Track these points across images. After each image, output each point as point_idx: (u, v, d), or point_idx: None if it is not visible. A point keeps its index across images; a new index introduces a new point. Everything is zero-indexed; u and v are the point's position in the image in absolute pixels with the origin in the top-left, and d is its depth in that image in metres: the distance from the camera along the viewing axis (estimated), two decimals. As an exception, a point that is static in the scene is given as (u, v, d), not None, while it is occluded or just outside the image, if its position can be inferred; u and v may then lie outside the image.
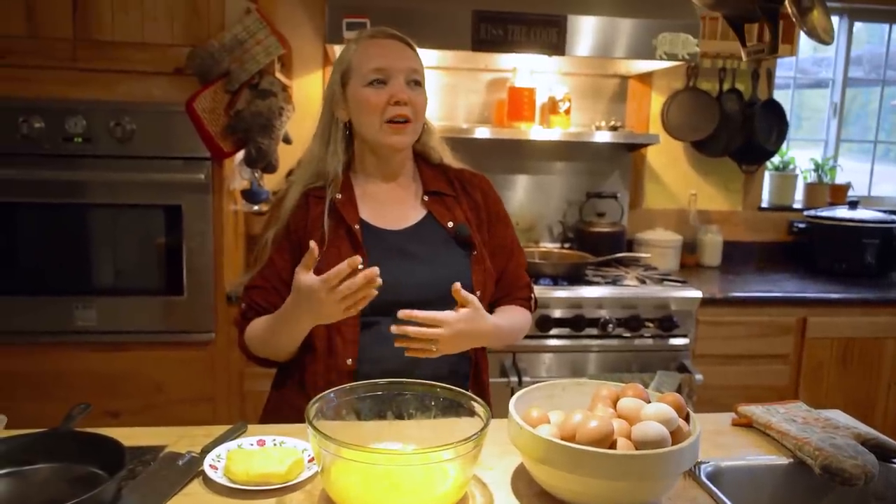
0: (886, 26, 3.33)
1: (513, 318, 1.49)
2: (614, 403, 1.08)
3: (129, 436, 1.13)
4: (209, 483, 1.06)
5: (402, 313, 1.24)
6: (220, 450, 1.13)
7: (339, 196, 1.42)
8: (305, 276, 1.22)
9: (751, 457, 1.22)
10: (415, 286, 1.36)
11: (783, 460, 1.21)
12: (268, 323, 1.38)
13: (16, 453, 1.07)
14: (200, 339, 2.29)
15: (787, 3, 0.89)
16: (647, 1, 2.44)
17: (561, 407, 1.12)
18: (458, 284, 1.28)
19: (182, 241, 2.25)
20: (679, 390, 2.29)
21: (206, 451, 1.13)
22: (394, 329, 1.24)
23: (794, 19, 0.92)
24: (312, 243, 1.22)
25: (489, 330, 1.35)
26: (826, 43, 0.95)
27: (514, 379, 2.30)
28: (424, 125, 1.48)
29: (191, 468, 1.09)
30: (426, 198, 1.47)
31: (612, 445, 0.96)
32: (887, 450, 1.20)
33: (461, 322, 1.27)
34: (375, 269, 1.19)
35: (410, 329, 1.24)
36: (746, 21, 1.05)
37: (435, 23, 2.33)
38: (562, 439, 0.97)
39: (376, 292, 1.21)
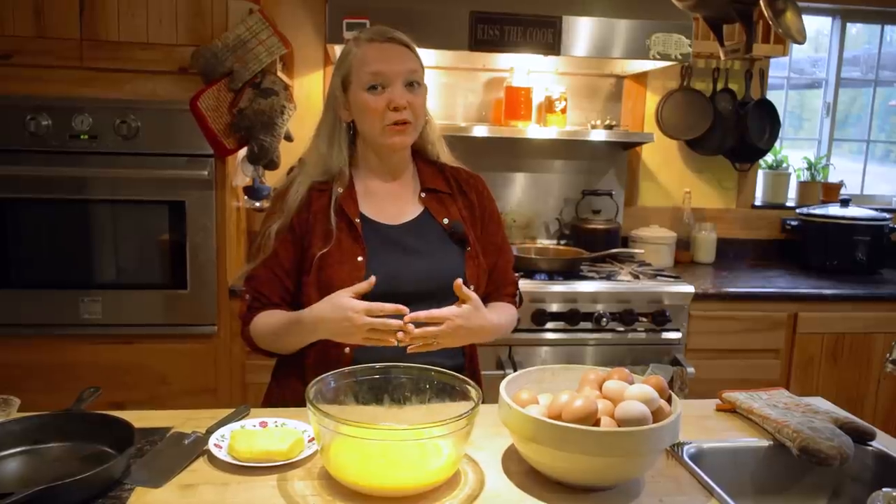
0: (881, 27, 3.37)
1: (505, 314, 1.54)
2: (600, 386, 1.13)
3: (137, 418, 1.17)
4: (214, 461, 1.11)
5: (408, 318, 1.27)
6: (224, 430, 1.18)
7: (340, 191, 1.47)
8: (350, 298, 1.28)
9: (733, 439, 1.28)
10: (412, 279, 1.41)
11: (764, 442, 1.26)
12: (278, 323, 1.42)
13: (30, 432, 1.13)
14: (203, 331, 2.34)
15: (762, 5, 0.94)
16: (641, 2, 2.49)
17: (550, 390, 1.17)
18: (459, 281, 1.33)
19: (185, 237, 2.30)
20: (671, 383, 2.34)
21: (210, 431, 1.18)
22: (399, 336, 1.28)
23: (769, 21, 0.97)
24: (372, 278, 1.30)
25: (487, 326, 1.40)
26: (799, 42, 1.00)
27: (510, 371, 2.34)
28: (427, 120, 1.53)
29: (196, 447, 1.14)
30: (423, 195, 1.52)
31: (597, 423, 1.02)
32: (863, 433, 1.26)
33: (461, 318, 1.32)
34: (412, 327, 1.27)
35: (416, 331, 1.28)
36: (724, 22, 1.10)
37: (433, 23, 2.38)
38: (549, 418, 1.02)
39: (398, 343, 1.28)
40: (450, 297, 1.34)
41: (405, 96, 1.41)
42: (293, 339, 1.41)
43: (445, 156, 1.57)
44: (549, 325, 2.44)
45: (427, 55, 2.55)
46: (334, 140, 1.48)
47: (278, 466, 1.09)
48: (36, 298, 2.28)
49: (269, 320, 1.44)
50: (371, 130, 1.44)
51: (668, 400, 1.10)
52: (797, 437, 1.19)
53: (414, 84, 1.43)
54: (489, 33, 2.41)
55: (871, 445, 1.25)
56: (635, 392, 1.05)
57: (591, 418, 1.01)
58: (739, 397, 1.39)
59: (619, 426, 1.01)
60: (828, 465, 1.16)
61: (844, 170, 3.41)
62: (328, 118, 1.50)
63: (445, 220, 1.49)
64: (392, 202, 1.51)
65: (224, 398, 2.36)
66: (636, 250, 2.89)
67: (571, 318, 2.43)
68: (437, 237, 1.48)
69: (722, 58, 1.28)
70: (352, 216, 1.45)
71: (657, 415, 1.04)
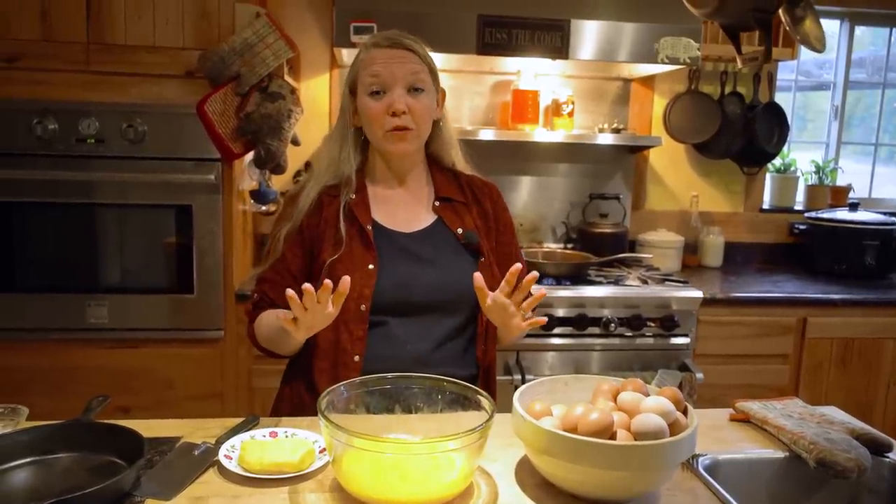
0: (889, 30, 3.35)
1: None
2: (615, 397, 1.12)
3: (146, 427, 1.16)
4: (224, 472, 1.10)
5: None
6: (235, 440, 1.17)
7: (352, 197, 1.46)
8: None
9: (748, 450, 1.26)
10: (423, 288, 1.40)
11: (779, 454, 1.24)
12: (271, 325, 1.41)
13: (38, 443, 1.11)
14: (210, 336, 2.33)
15: (781, 12, 0.93)
16: (650, 5, 2.47)
17: (563, 401, 1.16)
18: (478, 275, 1.27)
19: (192, 241, 2.29)
20: (680, 389, 2.32)
21: (220, 441, 1.17)
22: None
23: (787, 28, 0.96)
24: (346, 278, 1.20)
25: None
26: (818, 51, 0.99)
27: (518, 377, 2.33)
28: (442, 126, 1.52)
29: (206, 458, 1.12)
30: (437, 203, 1.50)
31: (613, 437, 1.00)
32: (880, 444, 1.24)
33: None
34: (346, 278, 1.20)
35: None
36: (742, 29, 1.09)
37: (441, 27, 2.38)
38: (564, 431, 1.01)
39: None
40: (462, 309, 1.32)
41: (405, 101, 1.39)
42: (280, 342, 1.40)
43: (460, 163, 1.56)
44: (557, 330, 2.42)
45: (434, 58, 2.53)
46: (344, 145, 1.48)
47: (290, 478, 1.08)
48: (42, 302, 2.27)
49: (264, 322, 1.45)
50: (373, 136, 1.44)
51: (684, 411, 1.08)
52: (814, 449, 1.18)
53: (417, 89, 1.41)
54: (497, 37, 2.40)
55: (888, 457, 1.24)
56: (651, 405, 1.03)
57: (608, 431, 0.99)
58: (753, 407, 1.37)
59: (636, 439, 1.00)
60: (845, 478, 1.14)
61: (851, 172, 3.40)
62: (340, 123, 1.50)
63: (459, 230, 1.48)
64: (404, 209, 1.50)
65: (231, 403, 2.35)
66: (644, 254, 2.88)
67: (579, 323, 2.42)
68: (450, 247, 1.47)
69: (739, 66, 1.27)
70: (364, 223, 1.43)
71: (674, 427, 1.02)
